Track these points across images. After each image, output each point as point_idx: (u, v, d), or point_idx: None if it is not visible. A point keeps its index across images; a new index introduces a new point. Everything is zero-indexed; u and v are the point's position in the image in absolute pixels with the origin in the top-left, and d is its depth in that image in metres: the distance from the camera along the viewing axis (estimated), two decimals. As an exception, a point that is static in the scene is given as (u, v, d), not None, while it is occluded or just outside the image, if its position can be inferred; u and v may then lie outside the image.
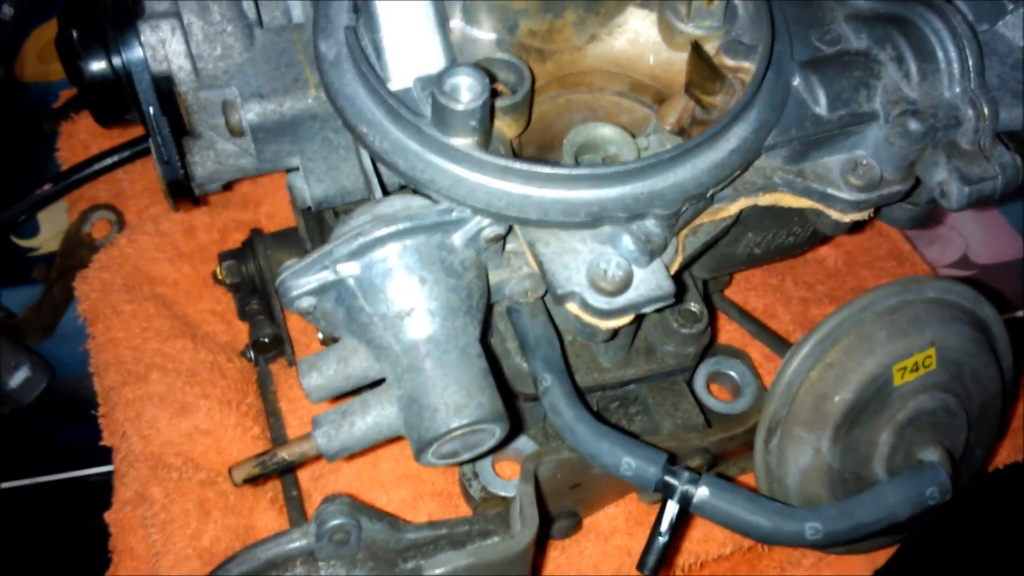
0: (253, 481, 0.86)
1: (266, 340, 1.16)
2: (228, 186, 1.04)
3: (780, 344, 1.22)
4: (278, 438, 1.15)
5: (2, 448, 1.24)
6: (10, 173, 1.46)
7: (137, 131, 1.30)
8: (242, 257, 1.18)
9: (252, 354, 1.19)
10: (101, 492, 1.12)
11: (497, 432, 0.82)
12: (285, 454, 0.84)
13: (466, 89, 0.78)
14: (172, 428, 1.11)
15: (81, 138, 1.42)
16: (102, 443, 1.15)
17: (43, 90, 1.56)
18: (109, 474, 1.13)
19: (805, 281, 1.34)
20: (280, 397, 1.19)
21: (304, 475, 1.13)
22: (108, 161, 1.33)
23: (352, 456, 0.86)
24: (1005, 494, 1.20)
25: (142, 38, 0.92)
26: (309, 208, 0.99)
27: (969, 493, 1.00)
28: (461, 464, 1.02)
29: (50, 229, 1.41)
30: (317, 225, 1.10)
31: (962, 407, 0.90)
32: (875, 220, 1.02)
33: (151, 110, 0.92)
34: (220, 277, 1.19)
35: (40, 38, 1.60)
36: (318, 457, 0.84)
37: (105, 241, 1.31)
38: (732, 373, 1.15)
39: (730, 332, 1.27)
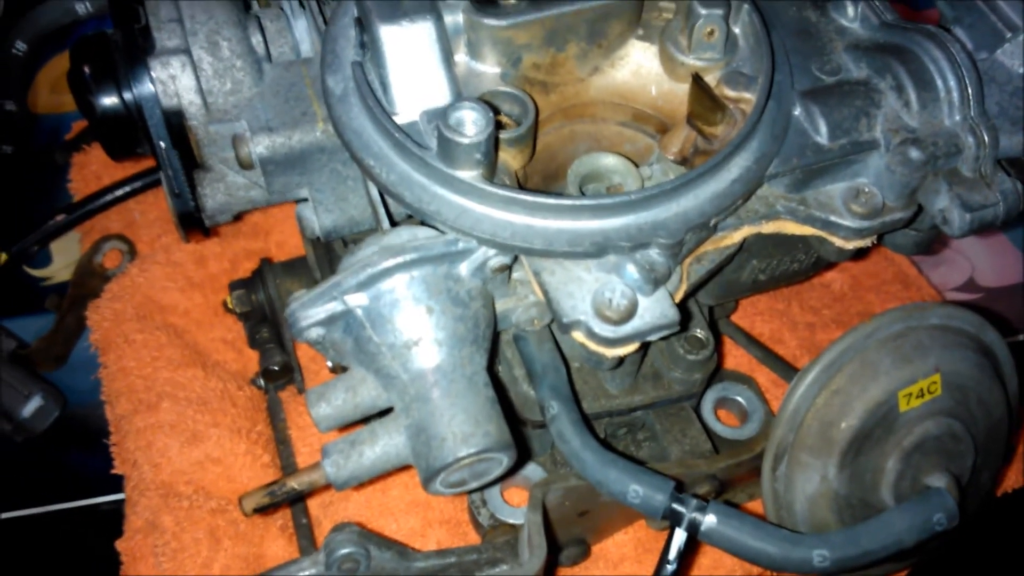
0: (263, 511, 0.87)
1: (276, 368, 1.17)
2: (238, 216, 1.04)
3: (787, 369, 1.22)
4: (288, 465, 1.15)
5: (15, 476, 1.25)
6: (23, 203, 1.47)
7: (149, 162, 1.30)
8: (252, 286, 1.19)
9: (262, 382, 1.19)
10: (112, 520, 1.13)
11: (504, 461, 0.83)
12: (294, 484, 0.85)
13: (471, 123, 0.79)
14: (183, 456, 1.12)
15: (93, 169, 1.44)
16: (113, 471, 1.16)
17: (55, 121, 1.57)
18: (120, 502, 1.14)
19: (811, 306, 1.34)
20: (290, 425, 1.19)
21: (314, 503, 1.13)
22: (120, 192, 1.34)
23: (362, 484, 0.86)
24: (1013, 519, 1.19)
25: (153, 74, 0.93)
26: (318, 238, 1.00)
27: (976, 518, 0.99)
28: (469, 492, 1.03)
29: (63, 259, 1.42)
30: (326, 254, 1.10)
31: (968, 432, 0.90)
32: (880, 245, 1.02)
33: (162, 144, 0.93)
34: (231, 306, 1.19)
35: (53, 70, 1.61)
36: (327, 486, 0.84)
37: (117, 271, 1.32)
38: (740, 399, 1.15)
39: (737, 357, 1.27)
